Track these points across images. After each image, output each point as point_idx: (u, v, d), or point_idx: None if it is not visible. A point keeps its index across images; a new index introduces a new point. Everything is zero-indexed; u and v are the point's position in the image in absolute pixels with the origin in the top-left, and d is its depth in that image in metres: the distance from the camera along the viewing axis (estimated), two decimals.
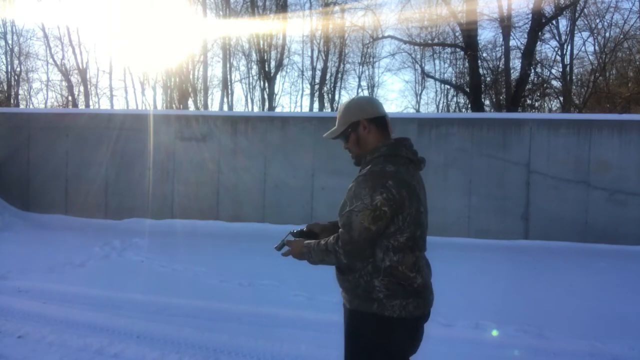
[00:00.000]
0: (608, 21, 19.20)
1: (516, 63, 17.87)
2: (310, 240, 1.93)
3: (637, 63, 19.40)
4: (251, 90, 23.95)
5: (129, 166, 8.69)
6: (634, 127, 7.38)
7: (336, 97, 24.84)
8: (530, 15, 15.54)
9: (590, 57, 20.40)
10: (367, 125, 1.83)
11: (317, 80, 23.76)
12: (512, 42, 17.28)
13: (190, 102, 21.47)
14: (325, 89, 24.06)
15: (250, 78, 23.71)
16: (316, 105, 23.42)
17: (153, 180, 8.58)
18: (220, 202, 8.40)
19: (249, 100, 24.07)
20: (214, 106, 22.95)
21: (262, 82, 22.43)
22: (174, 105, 21.36)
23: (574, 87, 20.98)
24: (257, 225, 8.09)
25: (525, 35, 16.09)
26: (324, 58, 23.58)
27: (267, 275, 5.25)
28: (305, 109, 24.48)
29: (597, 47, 19.98)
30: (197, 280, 5.19)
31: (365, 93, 26.96)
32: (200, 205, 8.41)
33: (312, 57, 23.58)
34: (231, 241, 7.23)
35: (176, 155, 8.58)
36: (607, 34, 19.45)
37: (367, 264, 1.74)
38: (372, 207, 1.67)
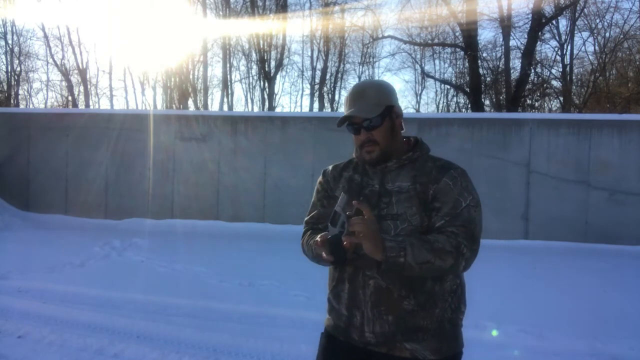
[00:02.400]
0: (608, 21, 19.21)
1: (516, 63, 17.88)
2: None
3: (637, 63, 19.40)
4: (251, 90, 23.97)
5: (129, 166, 8.69)
6: (634, 127, 7.38)
7: (336, 97, 24.85)
8: (530, 15, 15.56)
9: (590, 57, 20.42)
10: (400, 113, 1.56)
11: (317, 80, 23.77)
12: (512, 42, 17.29)
13: (190, 102, 21.47)
14: (325, 89, 24.06)
15: (250, 78, 23.72)
16: (316, 105, 23.42)
17: (153, 180, 8.58)
18: (220, 202, 8.40)
19: (249, 100, 24.09)
20: (214, 106, 22.95)
21: (262, 82, 22.43)
22: (174, 105, 21.36)
23: (574, 87, 20.98)
24: (257, 225, 8.10)
25: (525, 35, 16.10)
26: (324, 58, 23.59)
27: (267, 275, 5.25)
28: (305, 109, 24.48)
29: (597, 47, 20.00)
30: (197, 280, 5.19)
31: None
32: (200, 205, 8.41)
33: (312, 57, 23.59)
34: (231, 241, 7.23)
35: (176, 155, 8.58)
36: (607, 34, 19.46)
37: (448, 282, 1.47)
38: (480, 205, 1.47)
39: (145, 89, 25.72)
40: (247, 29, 20.77)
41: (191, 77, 21.66)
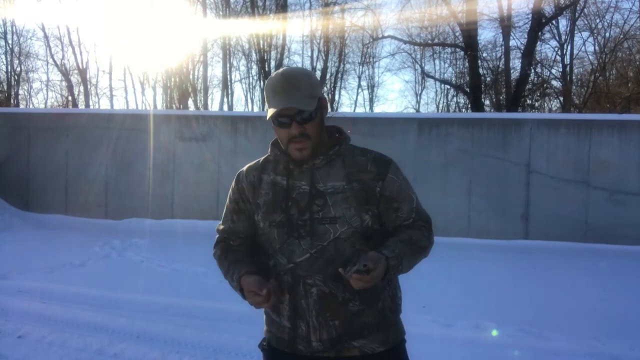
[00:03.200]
0: (608, 21, 19.21)
1: (516, 63, 17.88)
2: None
3: (637, 63, 19.40)
4: (251, 90, 23.96)
5: (129, 166, 8.69)
6: (634, 127, 7.38)
7: (336, 97, 24.85)
8: (530, 15, 15.55)
9: (590, 57, 20.42)
10: (327, 104, 1.49)
11: None
12: (512, 42, 17.28)
13: (190, 102, 21.47)
14: (325, 89, 24.06)
15: (250, 78, 23.72)
16: None
17: (153, 180, 8.58)
18: (220, 202, 8.40)
19: (249, 100, 24.08)
20: (214, 106, 22.95)
21: (262, 82, 22.40)
22: (174, 105, 21.36)
23: (574, 87, 20.99)
24: None
25: (525, 35, 16.10)
26: (324, 58, 23.60)
27: None
28: None
29: (597, 47, 20.00)
30: (197, 280, 5.19)
31: (366, 93, 27.00)
32: (201, 205, 8.41)
33: (312, 57, 23.58)
34: None
35: (176, 155, 8.58)
36: (607, 34, 19.46)
37: None
38: None
39: (145, 89, 25.74)
40: (247, 29, 20.78)
41: (191, 77, 21.67)
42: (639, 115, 7.98)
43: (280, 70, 1.44)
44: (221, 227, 1.62)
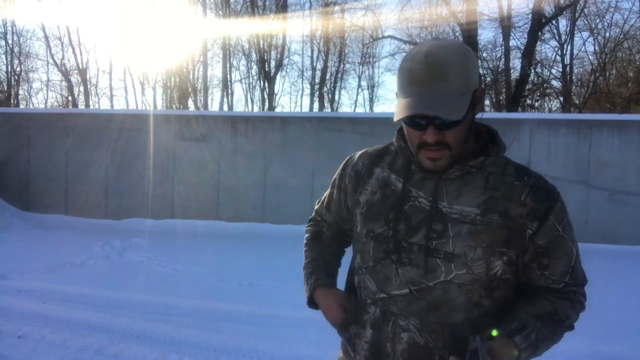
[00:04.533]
0: (608, 21, 19.21)
1: (516, 63, 17.87)
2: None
3: (637, 63, 19.39)
4: (251, 90, 23.96)
5: (129, 166, 8.69)
6: (634, 127, 7.38)
7: (336, 97, 24.85)
8: (530, 15, 15.55)
9: (590, 57, 20.41)
10: (483, 97, 1.10)
11: (317, 80, 23.77)
12: (512, 42, 17.27)
13: (190, 102, 21.47)
14: (325, 89, 24.06)
15: (250, 78, 23.71)
16: (316, 105, 23.42)
17: (153, 180, 8.57)
18: (220, 202, 8.40)
19: (249, 100, 24.08)
20: (214, 106, 22.96)
21: (262, 82, 22.43)
22: (174, 105, 21.36)
23: (574, 87, 20.98)
24: (258, 225, 8.09)
25: (525, 35, 16.10)
26: (324, 58, 23.61)
27: (267, 275, 5.25)
28: (305, 108, 24.47)
29: (597, 47, 19.99)
30: (197, 280, 5.19)
31: (366, 93, 27.01)
32: (201, 205, 8.41)
33: (312, 57, 23.60)
34: (231, 241, 7.23)
35: (176, 155, 8.58)
36: (607, 34, 19.46)
37: None
38: None
39: (145, 89, 25.73)
40: (247, 29, 20.79)
41: (191, 77, 21.66)
42: (639, 115, 7.98)
43: (426, 45, 1.03)
44: (317, 205, 1.43)
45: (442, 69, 0.98)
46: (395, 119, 1.03)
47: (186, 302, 4.37)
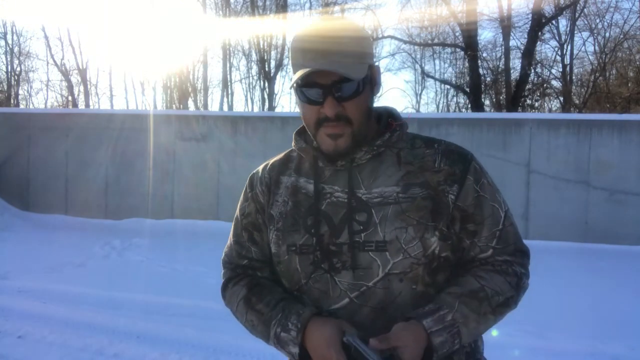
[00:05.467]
0: (608, 21, 19.20)
1: (516, 63, 17.87)
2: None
3: (637, 63, 19.39)
4: (251, 90, 23.95)
5: (129, 166, 8.69)
6: (634, 127, 7.38)
7: None
8: (530, 15, 15.55)
9: (590, 57, 20.41)
10: (378, 77, 1.03)
11: None
12: (512, 42, 17.26)
13: (190, 102, 21.48)
14: None
15: (250, 78, 23.71)
16: None
17: (153, 180, 8.57)
18: (220, 202, 8.40)
19: (249, 100, 24.07)
20: (214, 106, 22.95)
21: (262, 82, 22.42)
22: (174, 105, 21.36)
23: (574, 87, 20.98)
24: None
25: (525, 35, 16.09)
26: None
27: None
28: None
29: (597, 47, 19.99)
30: (197, 280, 5.19)
31: None
32: (201, 205, 8.41)
33: None
34: None
35: (176, 155, 8.58)
36: (607, 34, 19.45)
37: None
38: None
39: (145, 89, 25.74)
40: (247, 29, 20.78)
41: (191, 77, 21.68)
42: (639, 115, 7.98)
43: (315, 23, 1.01)
44: (233, 254, 1.15)
45: (336, 36, 0.94)
46: (290, 85, 0.95)
47: (186, 302, 4.37)
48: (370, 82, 0.99)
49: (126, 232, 7.68)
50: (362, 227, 0.96)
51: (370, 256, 0.95)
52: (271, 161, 1.15)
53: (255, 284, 1.09)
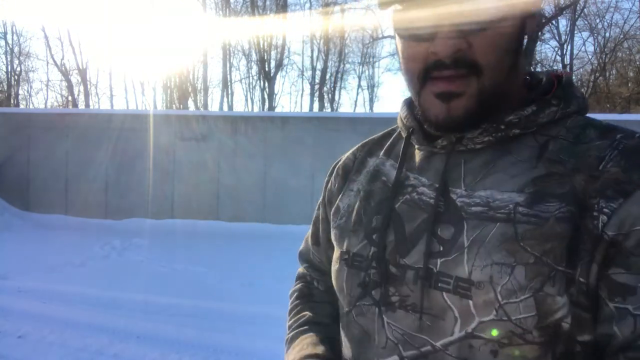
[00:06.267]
0: (608, 21, 19.22)
1: None
2: None
3: (637, 63, 19.41)
4: (251, 90, 23.97)
5: (129, 166, 8.69)
6: (634, 127, 7.33)
7: (336, 97, 24.86)
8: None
9: (590, 57, 20.43)
10: (539, 12, 0.67)
11: (317, 80, 23.77)
12: None
13: (190, 102, 21.49)
14: (325, 88, 24.07)
15: (250, 78, 23.72)
16: (316, 105, 23.44)
17: (153, 180, 8.58)
18: (220, 202, 8.40)
19: (249, 100, 24.09)
20: (214, 106, 22.96)
21: (262, 82, 22.44)
22: (174, 105, 21.38)
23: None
24: (258, 225, 8.10)
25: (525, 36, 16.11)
26: (324, 58, 23.60)
27: (267, 275, 5.25)
28: (305, 108, 24.49)
29: (597, 47, 20.01)
30: (197, 280, 5.19)
31: (366, 93, 27.03)
32: (200, 205, 8.41)
33: (312, 57, 23.60)
34: (231, 241, 7.23)
35: (176, 155, 8.58)
36: (607, 34, 19.47)
37: None
38: None
39: (145, 89, 25.76)
40: (247, 28, 20.80)
41: (191, 77, 21.69)
42: (639, 115, 7.97)
43: None
44: (302, 250, 0.95)
45: None
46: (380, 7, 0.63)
47: (186, 302, 4.37)
48: (522, 19, 0.60)
49: (126, 232, 7.68)
50: (442, 249, 0.60)
51: (444, 300, 0.58)
52: (367, 140, 0.82)
53: (303, 295, 0.88)
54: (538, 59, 18.82)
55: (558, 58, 19.93)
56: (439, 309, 0.59)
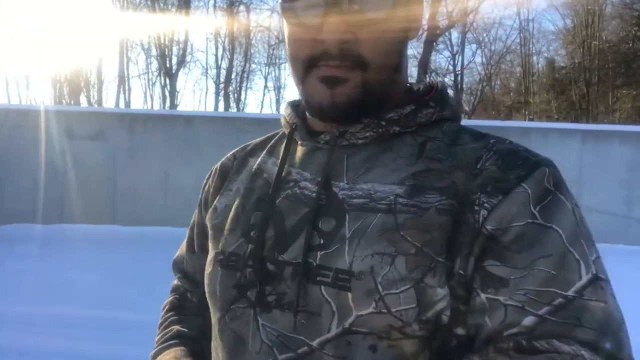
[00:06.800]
0: (493, 35, 21.03)
1: (412, 71, 18.98)
2: None
3: (518, 75, 21.46)
4: (151, 86, 22.99)
5: (12, 166, 7.96)
6: (514, 132, 8.14)
7: (242, 97, 24.63)
8: (425, 26, 16.57)
9: (479, 68, 22.23)
10: (421, 16, 0.69)
11: (222, 79, 23.37)
12: (409, 52, 18.29)
13: (83, 98, 20.10)
14: (230, 88, 23.73)
15: (150, 74, 22.73)
16: (222, 104, 23.03)
17: (41, 181, 7.94)
18: (116, 205, 7.97)
19: (149, 97, 23.09)
20: (110, 102, 21.70)
21: (162, 79, 21.59)
22: (64, 101, 19.87)
23: (464, 95, 22.70)
24: (158, 229, 7.80)
25: (422, 45, 17.14)
26: (229, 57, 23.27)
27: (169, 281, 5.07)
28: (210, 108, 23.99)
29: (484, 59, 21.82)
30: (90, 289, 4.89)
31: (272, 94, 27.08)
32: (94, 209, 7.91)
33: (216, 55, 23.19)
34: (129, 246, 6.89)
35: (67, 155, 8.01)
36: (493, 47, 21.30)
37: None
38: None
39: (30, 83, 23.63)
40: (147, 23, 19.88)
41: (84, 71, 20.28)
42: (518, 122, 8.81)
43: None
44: (176, 259, 0.92)
45: None
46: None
47: (79, 313, 4.12)
48: (408, 18, 0.63)
49: (7, 239, 7.03)
50: (322, 241, 0.58)
51: (322, 295, 0.55)
52: (251, 141, 0.82)
53: (174, 308, 0.83)
54: (433, 67, 20.09)
55: (451, 67, 21.46)
56: (316, 305, 0.56)
